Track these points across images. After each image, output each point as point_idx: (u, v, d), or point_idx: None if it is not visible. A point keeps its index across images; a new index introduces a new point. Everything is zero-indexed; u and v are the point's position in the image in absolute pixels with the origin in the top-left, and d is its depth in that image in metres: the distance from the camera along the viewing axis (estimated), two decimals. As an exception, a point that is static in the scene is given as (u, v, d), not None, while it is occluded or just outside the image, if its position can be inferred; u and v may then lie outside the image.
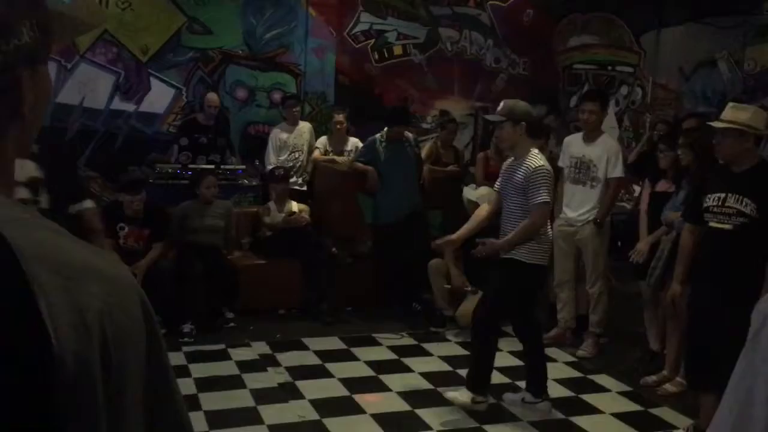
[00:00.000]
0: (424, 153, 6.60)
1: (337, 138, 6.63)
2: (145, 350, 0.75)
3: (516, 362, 4.83)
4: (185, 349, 4.91)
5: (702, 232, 3.76)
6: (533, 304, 4.23)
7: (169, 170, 6.20)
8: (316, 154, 6.58)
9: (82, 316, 0.68)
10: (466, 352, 5.16)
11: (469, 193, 5.84)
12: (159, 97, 6.99)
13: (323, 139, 6.66)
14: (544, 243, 3.96)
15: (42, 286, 0.66)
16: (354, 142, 6.64)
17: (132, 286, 0.75)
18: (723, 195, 3.61)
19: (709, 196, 3.67)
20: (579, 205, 5.21)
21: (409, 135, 6.11)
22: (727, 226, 3.58)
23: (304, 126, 6.82)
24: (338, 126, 6.61)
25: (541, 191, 3.82)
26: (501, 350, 4.55)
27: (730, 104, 3.71)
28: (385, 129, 6.00)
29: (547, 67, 8.46)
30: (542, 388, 4.19)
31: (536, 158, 3.88)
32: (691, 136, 4.46)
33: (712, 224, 3.66)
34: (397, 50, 7.83)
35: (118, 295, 0.72)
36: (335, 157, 6.54)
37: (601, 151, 5.13)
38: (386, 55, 7.80)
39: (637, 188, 7.79)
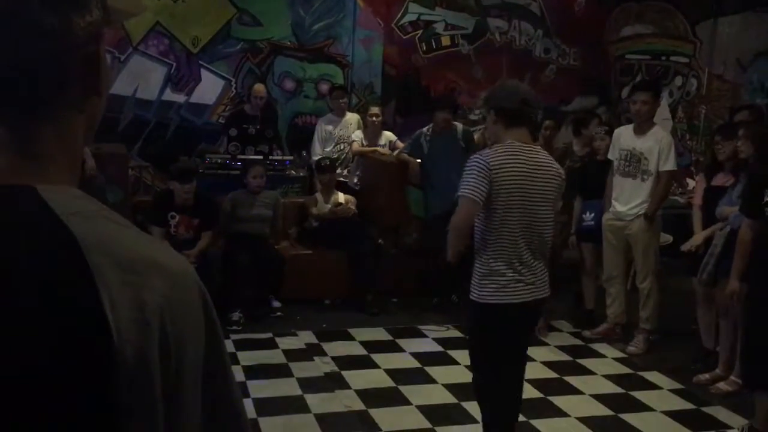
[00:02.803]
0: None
1: (372, 131, 6.61)
2: (204, 345, 0.75)
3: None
4: (233, 336, 4.99)
5: (762, 227, 3.64)
6: (487, 366, 3.09)
7: (219, 160, 6.29)
8: (355, 146, 6.58)
9: (142, 311, 0.68)
10: (512, 346, 5.12)
11: None
12: (209, 88, 7.09)
13: (359, 133, 6.66)
14: (501, 271, 2.89)
15: (105, 280, 0.67)
16: (388, 136, 6.63)
17: (193, 281, 0.76)
18: (784, 189, 3.49)
19: (769, 190, 3.55)
20: (629, 199, 5.09)
21: (458, 126, 6.05)
22: (787, 221, 3.47)
23: (352, 117, 6.83)
24: (374, 119, 6.58)
25: (464, 183, 2.91)
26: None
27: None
28: (431, 124, 5.98)
29: (599, 57, 8.28)
30: None
31: (491, 149, 3.00)
32: (752, 127, 4.31)
33: (771, 219, 3.54)
34: (445, 41, 7.77)
35: (178, 289, 0.73)
36: (379, 149, 6.53)
37: (653, 144, 5.00)
38: (434, 46, 7.74)
39: (690, 182, 7.61)
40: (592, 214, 5.42)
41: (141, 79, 6.86)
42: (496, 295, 2.90)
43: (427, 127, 6.02)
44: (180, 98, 7.02)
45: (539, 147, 3.14)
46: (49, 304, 0.65)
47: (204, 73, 7.05)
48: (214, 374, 0.76)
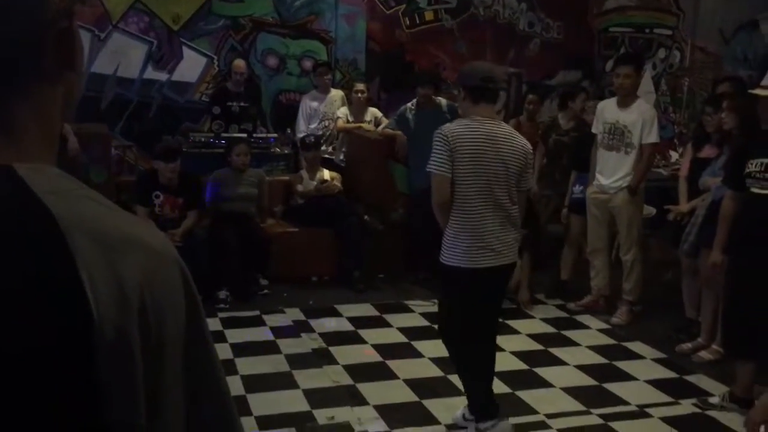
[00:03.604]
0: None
1: (357, 108, 6.59)
2: (184, 319, 0.75)
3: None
4: (221, 315, 5.00)
5: (743, 198, 3.69)
6: (461, 319, 3.31)
7: (202, 139, 6.25)
8: (340, 123, 6.56)
9: (121, 288, 0.69)
10: (498, 319, 5.17)
11: None
12: (191, 66, 7.02)
13: (344, 109, 6.63)
14: (464, 239, 3.13)
15: (84, 258, 0.67)
16: (373, 112, 6.61)
17: (173, 259, 0.76)
18: (766, 160, 3.52)
19: (752, 161, 3.59)
20: (613, 172, 5.12)
21: (442, 101, 6.04)
22: (768, 192, 3.51)
23: (336, 94, 6.80)
24: (359, 95, 6.55)
25: (431, 159, 3.16)
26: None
27: (772, 69, 3.61)
28: (416, 99, 5.97)
29: (582, 30, 8.27)
30: (484, 411, 3.41)
31: (453, 123, 3.25)
32: (736, 99, 4.34)
33: (753, 190, 3.59)
34: (429, 15, 7.72)
35: (158, 267, 0.73)
36: (364, 125, 6.51)
37: (636, 117, 5.02)
38: (417, 21, 7.70)
39: (673, 154, 7.65)
40: (582, 187, 5.46)
41: (122, 57, 6.78)
42: (462, 259, 3.13)
43: (411, 102, 6.01)
44: (162, 76, 6.96)
45: (504, 122, 3.43)
46: (27, 283, 0.65)
47: (186, 50, 6.98)
48: (195, 351, 0.77)
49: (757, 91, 3.55)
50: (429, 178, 6.04)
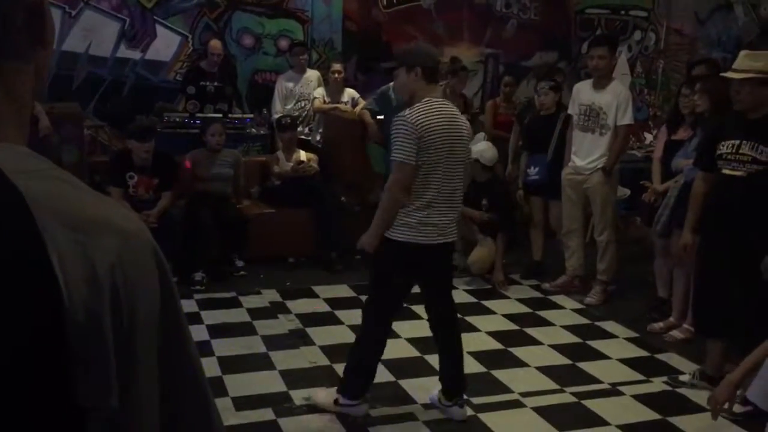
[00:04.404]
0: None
1: (334, 88, 6.55)
2: (158, 303, 0.75)
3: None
4: (197, 296, 4.98)
5: (714, 180, 3.74)
6: (388, 291, 3.37)
7: (177, 119, 6.18)
8: (317, 104, 6.52)
9: (93, 270, 0.68)
10: (474, 299, 5.22)
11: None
12: (165, 44, 6.92)
13: (321, 90, 6.59)
14: (416, 216, 3.16)
15: (54, 239, 0.66)
16: (350, 93, 6.58)
17: (146, 240, 0.75)
18: (737, 142, 3.57)
19: (723, 143, 3.63)
20: (588, 153, 5.16)
21: None
22: (740, 173, 3.56)
23: (312, 74, 6.74)
24: (336, 76, 6.51)
25: (395, 148, 3.11)
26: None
27: (743, 52, 3.64)
28: None
29: (559, 12, 8.27)
30: (363, 391, 3.46)
31: (413, 109, 3.14)
32: (709, 81, 4.38)
33: (724, 171, 3.64)
34: (406, -5, 7.68)
35: (131, 248, 0.72)
36: (340, 106, 6.48)
37: (611, 98, 5.06)
38: (394, 1, 7.65)
39: (648, 136, 7.72)
40: (537, 168, 5.52)
41: (94, 35, 6.66)
42: (410, 234, 3.17)
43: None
44: (135, 55, 6.85)
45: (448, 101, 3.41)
46: None
47: (159, 29, 6.87)
48: (169, 334, 0.77)
49: (729, 74, 3.59)
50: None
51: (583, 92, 5.22)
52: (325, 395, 3.51)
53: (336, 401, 3.45)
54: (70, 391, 0.66)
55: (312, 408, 3.52)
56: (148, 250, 0.75)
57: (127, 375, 0.71)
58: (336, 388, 3.48)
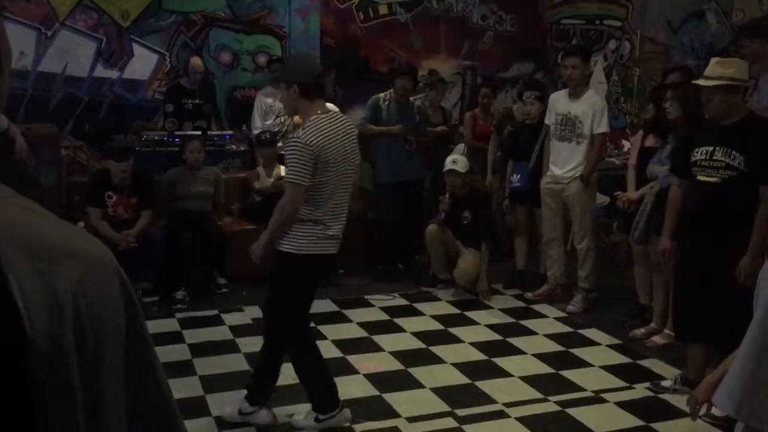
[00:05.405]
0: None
1: None
2: (124, 326, 0.75)
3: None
4: (178, 315, 4.94)
5: (690, 186, 3.78)
6: (291, 306, 3.43)
7: (156, 137, 6.15)
8: (296, 119, 6.51)
9: (55, 297, 0.67)
10: (457, 311, 5.23)
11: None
12: (142, 63, 6.90)
13: None
14: (314, 229, 3.22)
15: (14, 267, 0.65)
16: (330, 107, 6.57)
17: (109, 263, 0.75)
18: (711, 148, 3.62)
19: (697, 149, 3.68)
20: (565, 162, 5.21)
21: (416, 102, 6.13)
22: (714, 179, 3.61)
23: (291, 89, 6.74)
24: None
25: (290, 169, 3.14)
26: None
27: (714, 60, 3.69)
28: (391, 90, 6.03)
29: (535, 23, 8.36)
30: (331, 403, 3.48)
31: (306, 129, 3.14)
32: (680, 89, 4.44)
33: (699, 178, 3.68)
34: (383, 9, 7.72)
35: (94, 273, 0.72)
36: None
37: (587, 107, 5.12)
38: (371, 15, 7.69)
39: (626, 143, 7.80)
40: (519, 176, 5.57)
41: (70, 55, 6.62)
42: (314, 246, 3.23)
43: (384, 93, 6.05)
44: (113, 74, 6.82)
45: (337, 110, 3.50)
46: None
47: (136, 47, 6.85)
48: (136, 359, 0.77)
49: (701, 82, 3.64)
50: (395, 173, 6.06)
51: (559, 102, 5.28)
52: (304, 417, 3.51)
53: (316, 419, 3.44)
54: (36, 421, 0.66)
55: (295, 426, 3.50)
56: (113, 276, 0.75)
57: (93, 403, 0.71)
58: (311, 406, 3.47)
